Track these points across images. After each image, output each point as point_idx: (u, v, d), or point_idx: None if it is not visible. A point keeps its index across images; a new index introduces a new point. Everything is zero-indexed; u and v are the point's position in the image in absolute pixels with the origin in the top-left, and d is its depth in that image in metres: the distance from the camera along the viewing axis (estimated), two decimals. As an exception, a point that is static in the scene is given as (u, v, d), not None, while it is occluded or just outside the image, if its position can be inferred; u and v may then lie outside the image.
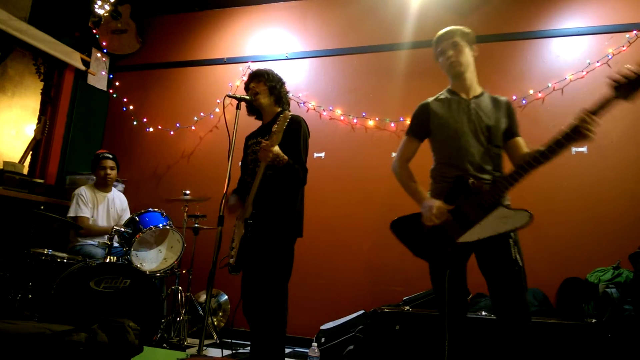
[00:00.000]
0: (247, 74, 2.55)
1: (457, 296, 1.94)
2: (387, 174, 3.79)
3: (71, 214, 3.49)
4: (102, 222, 3.63)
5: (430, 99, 2.11)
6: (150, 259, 3.41)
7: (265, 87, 2.39)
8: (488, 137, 1.96)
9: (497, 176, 1.93)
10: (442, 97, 2.09)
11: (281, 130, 2.07)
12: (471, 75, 2.06)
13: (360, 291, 3.66)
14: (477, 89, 2.07)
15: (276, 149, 2.09)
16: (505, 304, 1.84)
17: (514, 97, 3.50)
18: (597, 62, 3.39)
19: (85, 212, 3.51)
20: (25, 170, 4.02)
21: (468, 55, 2.05)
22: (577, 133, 1.64)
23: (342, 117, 4.00)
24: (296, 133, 2.25)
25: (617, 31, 3.39)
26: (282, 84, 2.46)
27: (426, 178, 2.12)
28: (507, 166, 1.97)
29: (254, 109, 2.48)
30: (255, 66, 4.30)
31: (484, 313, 2.64)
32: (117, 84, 4.84)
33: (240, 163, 2.52)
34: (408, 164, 2.12)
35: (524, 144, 2.02)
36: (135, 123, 4.67)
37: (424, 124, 2.08)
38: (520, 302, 1.82)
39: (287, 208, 2.25)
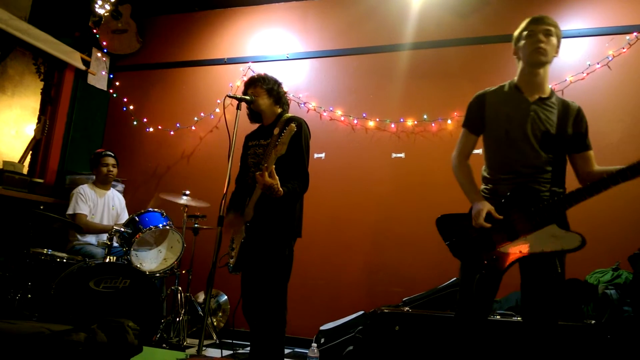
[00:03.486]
0: (247, 75, 2.54)
1: (484, 301, 1.89)
2: (387, 175, 3.84)
3: (69, 211, 3.50)
4: (102, 219, 3.64)
5: (490, 89, 1.98)
6: (150, 259, 3.41)
7: (262, 89, 2.39)
8: (546, 143, 1.82)
9: (560, 192, 1.83)
10: (504, 89, 1.96)
11: (286, 142, 2.03)
12: (545, 73, 1.90)
13: (360, 292, 3.66)
14: (545, 90, 1.91)
15: (274, 181, 2.02)
16: (535, 307, 1.80)
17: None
18: (598, 63, 3.39)
19: (84, 210, 3.51)
20: (25, 170, 4.02)
21: (553, 51, 1.89)
22: None
23: (342, 118, 4.00)
24: (298, 140, 2.24)
25: (618, 33, 3.38)
26: (279, 84, 2.46)
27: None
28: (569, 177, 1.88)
29: (255, 114, 2.47)
30: (255, 66, 4.31)
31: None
32: (117, 83, 4.84)
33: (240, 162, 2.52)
34: (467, 160, 2.02)
35: (594, 159, 1.89)
36: (135, 123, 4.67)
37: (478, 116, 1.97)
38: (550, 307, 1.78)
39: (288, 211, 2.25)
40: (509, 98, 1.93)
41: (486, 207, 1.83)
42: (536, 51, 1.85)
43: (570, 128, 1.87)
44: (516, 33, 1.97)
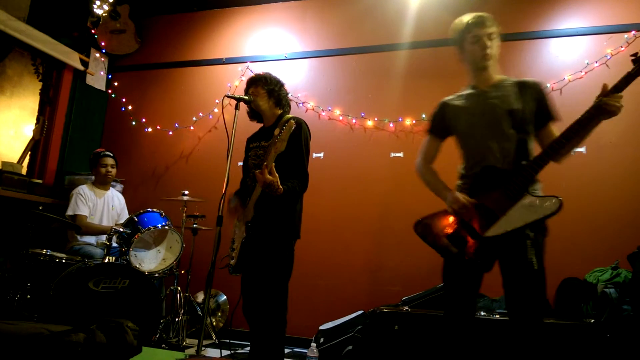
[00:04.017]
0: (246, 75, 2.53)
1: (469, 297, 1.91)
2: (386, 174, 3.84)
3: (69, 212, 3.49)
4: (101, 220, 3.63)
5: (449, 97, 2.07)
6: (149, 259, 3.41)
7: (263, 90, 2.38)
8: (511, 122, 1.85)
9: (522, 163, 1.84)
10: (461, 93, 2.05)
11: (285, 139, 2.04)
12: (493, 66, 1.98)
13: (359, 291, 3.66)
14: (495, 77, 1.99)
15: (273, 178, 2.01)
16: (516, 305, 1.81)
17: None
18: (596, 62, 3.40)
19: (84, 211, 3.51)
20: (24, 171, 4.01)
21: (497, 49, 1.98)
22: (600, 111, 1.68)
23: (341, 118, 4.00)
24: (298, 140, 2.23)
25: (616, 31, 3.39)
26: (281, 85, 2.44)
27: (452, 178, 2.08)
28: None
29: (255, 113, 2.47)
30: (254, 66, 4.31)
31: (482, 313, 2.64)
32: (115, 84, 4.84)
33: (240, 164, 2.51)
34: (431, 164, 2.10)
35: (556, 131, 1.88)
36: (134, 123, 4.67)
37: (441, 122, 2.07)
38: (530, 304, 1.78)
39: (288, 211, 2.25)
40: (467, 96, 2.01)
41: (459, 194, 1.89)
42: (484, 58, 1.95)
43: (532, 102, 1.89)
44: (457, 34, 2.02)
